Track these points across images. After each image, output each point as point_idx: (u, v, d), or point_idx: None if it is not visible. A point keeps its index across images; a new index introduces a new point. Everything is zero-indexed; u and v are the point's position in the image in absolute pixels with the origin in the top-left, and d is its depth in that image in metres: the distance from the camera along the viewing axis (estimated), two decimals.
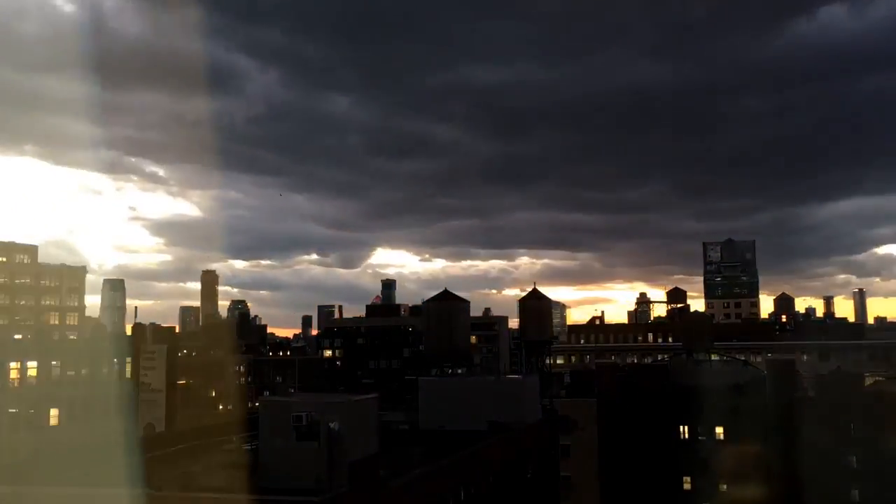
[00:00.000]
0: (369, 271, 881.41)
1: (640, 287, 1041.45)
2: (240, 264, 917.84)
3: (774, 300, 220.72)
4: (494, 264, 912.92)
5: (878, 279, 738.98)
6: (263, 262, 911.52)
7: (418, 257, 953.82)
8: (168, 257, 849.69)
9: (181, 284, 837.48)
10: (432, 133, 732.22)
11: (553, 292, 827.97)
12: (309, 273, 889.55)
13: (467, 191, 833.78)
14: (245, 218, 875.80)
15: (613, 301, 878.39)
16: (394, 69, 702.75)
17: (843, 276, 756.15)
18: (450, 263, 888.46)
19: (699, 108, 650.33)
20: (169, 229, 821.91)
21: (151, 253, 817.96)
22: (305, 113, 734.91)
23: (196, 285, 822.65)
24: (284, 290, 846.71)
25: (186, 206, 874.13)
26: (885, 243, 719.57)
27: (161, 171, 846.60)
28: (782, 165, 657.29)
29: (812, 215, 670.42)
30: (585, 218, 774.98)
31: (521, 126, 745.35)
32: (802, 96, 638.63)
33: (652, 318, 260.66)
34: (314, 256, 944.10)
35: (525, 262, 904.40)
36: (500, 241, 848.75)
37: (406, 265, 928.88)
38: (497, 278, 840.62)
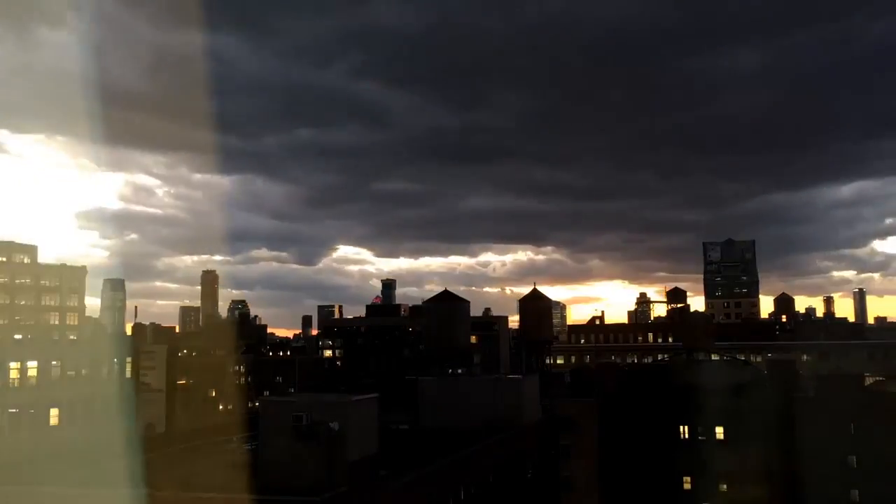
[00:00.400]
0: (325, 269, 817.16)
1: (621, 285, 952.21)
2: (188, 260, 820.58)
3: (774, 300, 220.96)
4: (458, 261, 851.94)
5: (877, 275, 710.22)
6: (216, 258, 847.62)
7: (372, 252, 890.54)
8: (105, 252, 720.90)
9: (141, 284, 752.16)
10: (359, 95, 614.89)
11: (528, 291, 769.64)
12: (267, 270, 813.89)
13: (412, 171, 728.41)
14: (174, 207, 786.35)
15: (598, 299, 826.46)
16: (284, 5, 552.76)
17: (841, 274, 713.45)
18: (411, 261, 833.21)
19: (677, 64, 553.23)
20: (100, 221, 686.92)
21: (88, 248, 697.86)
22: (185, 61, 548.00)
23: (158, 284, 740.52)
24: (247, 288, 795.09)
25: (104, 195, 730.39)
26: (886, 235, 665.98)
27: (44, 147, 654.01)
28: (776, 139, 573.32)
29: (809, 202, 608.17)
30: (551, 207, 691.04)
31: (462, 87, 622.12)
32: (796, 47, 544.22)
33: (652, 318, 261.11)
34: (265, 251, 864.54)
35: (491, 259, 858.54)
36: (459, 235, 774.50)
37: (368, 262, 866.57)
38: (465, 275, 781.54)
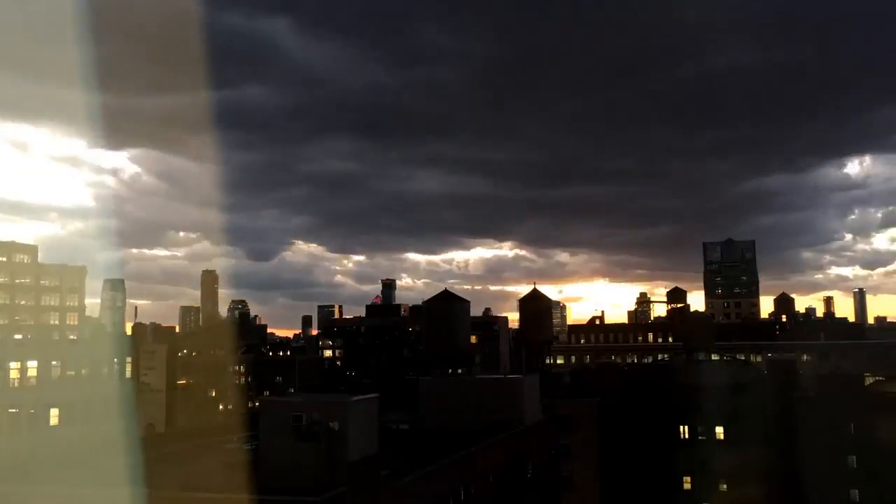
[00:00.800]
0: (287, 267, 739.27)
1: (601, 283, 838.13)
2: (124, 256, 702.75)
3: (774, 300, 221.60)
4: (418, 258, 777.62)
5: (875, 273, 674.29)
6: (160, 253, 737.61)
7: (326, 247, 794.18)
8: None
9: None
10: (262, 42, 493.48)
11: (504, 291, 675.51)
12: (225, 266, 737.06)
13: (344, 146, 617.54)
14: (82, 193, 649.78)
15: (578, 299, 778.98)
16: None
17: (839, 271, 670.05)
18: (363, 258, 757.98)
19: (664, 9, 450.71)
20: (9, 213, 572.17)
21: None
22: None
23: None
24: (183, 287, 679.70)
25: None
26: (890, 226, 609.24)
27: None
28: (766, 106, 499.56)
29: (807, 185, 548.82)
30: (510, 193, 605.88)
31: (399, 36, 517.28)
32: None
33: (652, 318, 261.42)
34: (209, 245, 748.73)
35: (453, 256, 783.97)
36: (412, 228, 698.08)
37: (326, 258, 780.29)
38: (432, 272, 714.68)
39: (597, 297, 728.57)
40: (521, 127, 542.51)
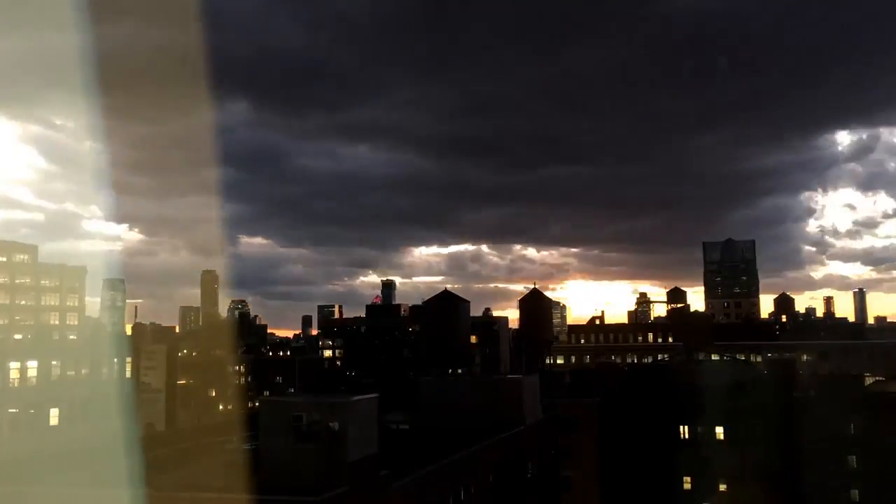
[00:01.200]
0: (244, 263, 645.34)
1: (584, 283, 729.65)
2: (42, 251, 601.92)
3: (774, 300, 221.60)
4: (371, 254, 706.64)
5: (874, 271, 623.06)
6: (83, 247, 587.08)
7: (273, 241, 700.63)
8: None
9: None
10: None
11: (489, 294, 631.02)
12: (176, 263, 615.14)
13: (246, 109, 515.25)
14: None
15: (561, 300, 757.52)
16: None
17: (839, 266, 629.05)
18: (316, 255, 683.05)
19: None
20: None
21: None
22: None
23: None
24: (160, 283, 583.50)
25: None
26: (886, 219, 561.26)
27: None
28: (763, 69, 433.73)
29: (808, 164, 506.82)
30: (460, 174, 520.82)
31: None
32: None
33: (652, 319, 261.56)
34: (140, 235, 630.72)
35: (412, 252, 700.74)
36: (358, 218, 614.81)
37: (276, 255, 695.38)
38: (398, 270, 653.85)
39: (578, 296, 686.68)
40: (470, 89, 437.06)
